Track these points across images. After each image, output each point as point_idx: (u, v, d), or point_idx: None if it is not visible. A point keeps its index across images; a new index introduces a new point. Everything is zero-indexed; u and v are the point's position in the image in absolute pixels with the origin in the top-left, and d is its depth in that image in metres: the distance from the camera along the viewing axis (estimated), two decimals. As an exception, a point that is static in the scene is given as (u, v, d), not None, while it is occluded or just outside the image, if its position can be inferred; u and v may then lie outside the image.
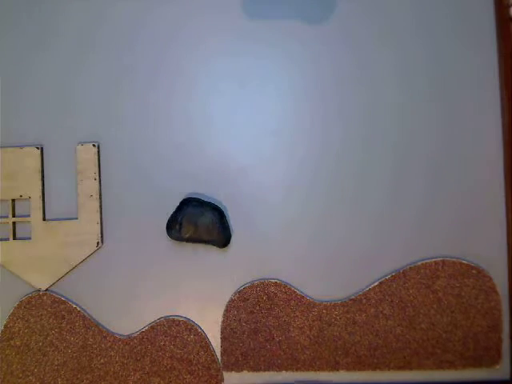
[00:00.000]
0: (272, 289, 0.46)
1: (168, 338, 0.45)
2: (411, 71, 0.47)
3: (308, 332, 0.45)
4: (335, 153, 0.47)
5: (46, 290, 0.46)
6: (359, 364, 0.45)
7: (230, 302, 0.46)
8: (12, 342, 0.45)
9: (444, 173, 0.47)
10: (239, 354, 0.45)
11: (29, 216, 0.46)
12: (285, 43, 0.48)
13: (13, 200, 0.47)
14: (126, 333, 0.46)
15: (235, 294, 0.46)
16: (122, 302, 0.46)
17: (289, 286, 0.46)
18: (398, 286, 0.46)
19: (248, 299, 0.46)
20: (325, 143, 0.47)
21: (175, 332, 0.46)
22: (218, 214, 0.45)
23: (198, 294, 0.46)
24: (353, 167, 0.47)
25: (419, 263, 0.46)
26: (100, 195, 0.47)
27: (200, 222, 0.45)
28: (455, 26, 0.47)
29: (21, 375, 0.45)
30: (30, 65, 0.48)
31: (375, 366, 0.45)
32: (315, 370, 0.45)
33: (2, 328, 0.46)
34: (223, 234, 0.45)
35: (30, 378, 0.45)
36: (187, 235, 0.45)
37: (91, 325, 0.46)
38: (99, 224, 0.46)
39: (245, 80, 0.48)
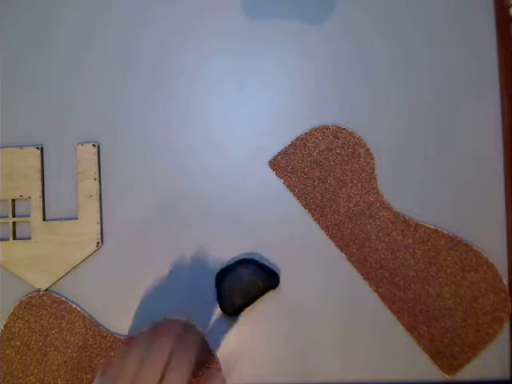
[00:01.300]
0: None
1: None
2: (411, 71, 0.47)
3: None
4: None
5: (46, 289, 0.46)
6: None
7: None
8: (12, 342, 0.45)
9: (444, 172, 0.47)
10: None
11: (29, 216, 0.46)
12: (285, 42, 0.48)
13: (13, 200, 0.47)
14: (126, 333, 0.46)
15: None
16: (122, 302, 0.46)
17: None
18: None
19: None
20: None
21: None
22: (252, 265, 0.44)
23: (198, 295, 0.46)
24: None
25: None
26: (100, 195, 0.47)
27: (244, 284, 0.43)
28: (455, 26, 0.47)
29: (21, 375, 0.45)
30: (29, 65, 0.48)
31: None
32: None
33: (2, 328, 0.46)
34: (268, 280, 0.44)
35: (30, 378, 0.45)
36: (242, 301, 0.44)
37: (91, 325, 0.46)
38: (99, 224, 0.46)
39: (245, 80, 0.48)
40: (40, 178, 0.46)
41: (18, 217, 0.47)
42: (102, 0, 0.48)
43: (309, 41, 0.48)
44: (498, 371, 0.45)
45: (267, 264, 0.45)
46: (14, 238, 0.46)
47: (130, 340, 0.45)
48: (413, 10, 0.47)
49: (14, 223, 0.46)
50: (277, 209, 0.47)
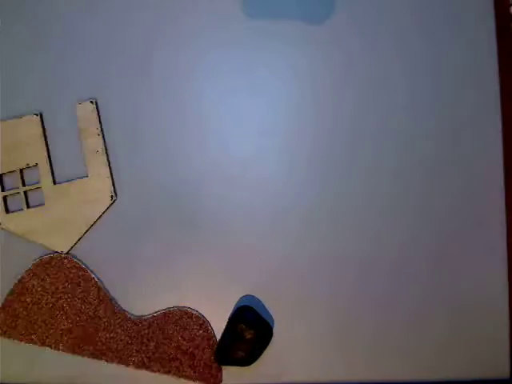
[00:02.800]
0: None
1: (177, 328, 0.45)
2: (412, 71, 0.47)
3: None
4: (339, 153, 0.47)
5: (68, 252, 0.46)
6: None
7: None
8: (22, 298, 0.45)
9: (444, 172, 0.46)
10: None
11: (38, 183, 0.46)
12: (286, 41, 0.47)
13: (21, 170, 0.46)
14: (138, 313, 0.46)
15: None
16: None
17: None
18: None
19: None
20: (329, 142, 0.47)
21: (185, 324, 0.45)
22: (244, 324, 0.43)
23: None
24: (358, 165, 0.47)
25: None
26: (106, 151, 0.47)
27: (242, 341, 0.43)
28: (456, 26, 0.47)
29: (23, 332, 0.45)
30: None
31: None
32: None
33: (16, 282, 0.45)
34: (262, 333, 0.43)
35: (33, 336, 0.45)
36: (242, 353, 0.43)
37: (105, 298, 0.45)
38: (109, 178, 0.46)
39: (244, 76, 0.47)
40: (43, 143, 0.46)
41: (29, 185, 0.46)
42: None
43: (310, 39, 0.47)
44: (497, 371, 0.45)
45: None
46: (28, 207, 0.46)
47: (139, 321, 0.45)
48: (413, 11, 0.47)
49: (25, 192, 0.46)
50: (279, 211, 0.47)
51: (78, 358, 0.45)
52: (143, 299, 0.46)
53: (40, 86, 0.48)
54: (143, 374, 0.45)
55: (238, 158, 0.47)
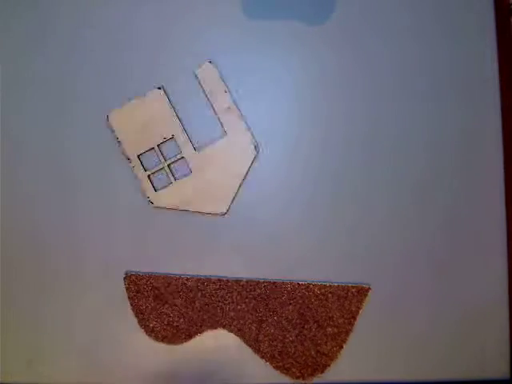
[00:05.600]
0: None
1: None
2: (413, 71, 0.47)
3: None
4: (336, 154, 0.47)
5: (227, 211, 0.46)
6: None
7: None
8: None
9: (444, 172, 0.46)
10: None
11: (180, 153, 0.46)
12: (286, 40, 0.47)
13: (158, 146, 0.46)
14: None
15: None
16: None
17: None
18: None
19: None
20: (327, 143, 0.47)
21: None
22: None
23: None
24: (354, 168, 0.46)
25: None
26: (236, 105, 0.46)
27: None
28: (456, 26, 0.47)
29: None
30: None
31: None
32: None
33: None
34: None
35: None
36: None
37: None
38: (248, 130, 0.46)
39: (244, 78, 0.47)
40: (174, 114, 0.46)
41: (170, 159, 0.46)
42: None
43: (310, 39, 0.47)
44: (497, 371, 0.45)
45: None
46: (175, 179, 0.46)
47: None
48: (412, 10, 0.47)
49: (169, 166, 0.46)
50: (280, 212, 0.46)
51: (78, 358, 0.45)
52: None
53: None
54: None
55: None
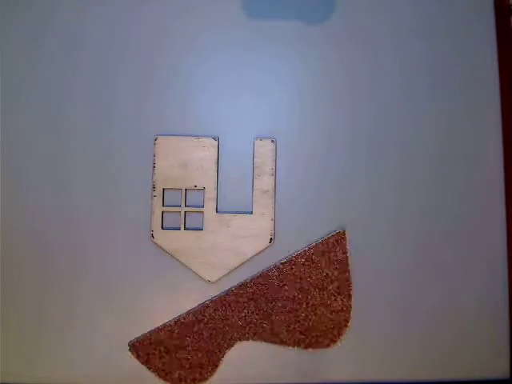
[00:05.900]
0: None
1: None
2: (413, 71, 0.47)
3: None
4: (339, 153, 0.47)
5: (215, 282, 0.46)
6: None
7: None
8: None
9: (443, 172, 0.47)
10: None
11: (202, 207, 0.46)
12: (287, 39, 0.47)
13: (186, 190, 0.46)
14: None
15: None
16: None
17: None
18: None
19: None
20: (331, 142, 0.47)
21: None
22: None
23: None
24: (359, 167, 0.47)
25: None
26: (275, 191, 0.46)
27: None
28: (456, 26, 0.47)
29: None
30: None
31: None
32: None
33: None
34: None
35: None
36: None
37: None
38: (273, 220, 0.46)
39: (245, 79, 0.47)
40: (216, 169, 0.46)
41: (189, 206, 0.46)
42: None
43: (312, 38, 0.47)
44: (497, 371, 0.45)
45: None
46: (185, 228, 0.46)
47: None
48: (413, 10, 0.47)
49: (185, 213, 0.46)
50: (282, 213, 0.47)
51: (78, 359, 0.45)
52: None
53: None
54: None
55: (236, 160, 0.47)
